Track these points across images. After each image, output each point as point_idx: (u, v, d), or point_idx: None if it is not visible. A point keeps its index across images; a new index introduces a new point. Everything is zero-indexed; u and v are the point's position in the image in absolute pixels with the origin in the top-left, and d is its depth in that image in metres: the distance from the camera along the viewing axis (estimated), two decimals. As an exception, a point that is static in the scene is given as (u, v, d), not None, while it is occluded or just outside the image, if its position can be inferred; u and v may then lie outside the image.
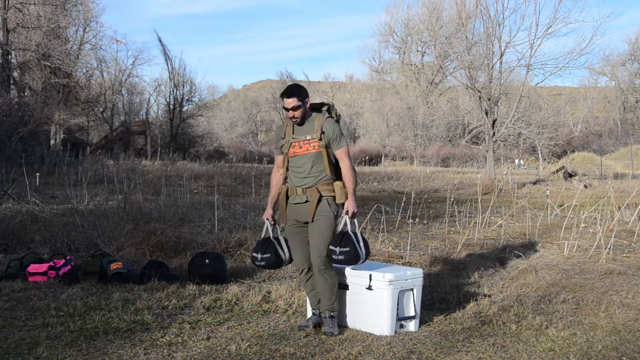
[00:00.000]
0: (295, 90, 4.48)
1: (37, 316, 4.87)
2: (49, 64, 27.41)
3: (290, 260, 4.72)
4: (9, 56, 27.57)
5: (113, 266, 6.00)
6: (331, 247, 4.42)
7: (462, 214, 10.59)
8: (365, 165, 36.62)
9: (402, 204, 9.93)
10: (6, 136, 20.05)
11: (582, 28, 70.43)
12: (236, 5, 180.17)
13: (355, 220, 4.52)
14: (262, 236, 4.71)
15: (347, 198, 4.48)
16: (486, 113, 21.26)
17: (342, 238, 4.41)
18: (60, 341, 4.27)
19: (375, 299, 4.56)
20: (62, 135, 32.62)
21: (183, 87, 47.47)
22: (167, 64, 48.01)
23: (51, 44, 27.20)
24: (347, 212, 4.46)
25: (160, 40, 63.32)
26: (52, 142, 29.21)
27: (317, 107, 4.64)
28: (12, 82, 27.81)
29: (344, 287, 4.75)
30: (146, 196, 12.37)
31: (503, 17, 21.12)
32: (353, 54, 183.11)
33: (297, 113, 4.45)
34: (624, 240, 8.69)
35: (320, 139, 4.46)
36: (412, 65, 55.00)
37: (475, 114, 30.85)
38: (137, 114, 47.52)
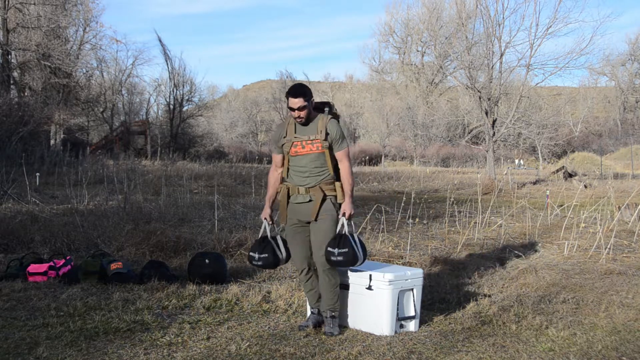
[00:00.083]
0: (302, 90, 4.46)
1: (37, 316, 4.87)
2: (49, 64, 27.41)
3: (287, 260, 4.73)
4: (9, 56, 27.58)
5: (113, 266, 6.00)
6: (329, 248, 4.40)
7: (462, 214, 10.59)
8: (365, 165, 36.63)
9: (402, 204, 9.93)
10: (6, 136, 20.05)
11: (582, 28, 70.56)
12: (236, 5, 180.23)
13: (352, 222, 4.52)
14: (260, 235, 4.71)
15: (344, 199, 4.50)
16: (486, 113, 21.26)
17: (340, 239, 4.40)
18: (60, 341, 4.27)
19: (375, 299, 4.56)
20: (62, 135, 32.63)
21: (183, 87, 47.52)
22: (167, 64, 48.08)
23: (51, 44, 27.20)
24: (343, 214, 4.47)
25: (160, 40, 63.38)
26: (52, 142, 29.21)
27: (318, 107, 4.64)
28: (12, 82, 27.81)
29: (344, 287, 4.75)
30: (146, 196, 12.37)
31: (503, 17, 21.15)
32: (353, 54, 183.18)
33: (303, 113, 4.45)
34: (624, 240, 8.69)
35: (325, 139, 4.46)
36: (412, 65, 55.00)
37: (475, 114, 30.85)
38: (137, 114, 47.53)
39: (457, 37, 24.84)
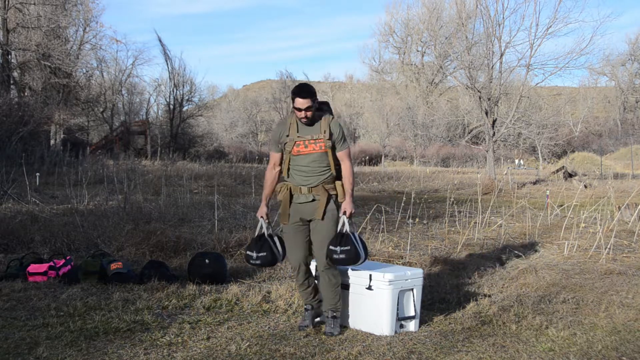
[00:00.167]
0: (309, 90, 4.47)
1: (37, 316, 4.87)
2: (49, 64, 27.41)
3: (284, 258, 4.74)
4: (9, 56, 27.57)
5: (113, 266, 6.00)
6: (331, 247, 4.43)
7: (462, 214, 10.59)
8: (365, 165, 36.63)
9: (402, 204, 9.93)
10: (6, 136, 20.05)
11: (582, 28, 70.50)
12: (236, 5, 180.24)
13: (352, 221, 4.55)
14: (256, 234, 4.67)
15: (345, 198, 4.52)
16: (486, 113, 21.26)
17: (341, 238, 4.43)
18: (60, 341, 4.27)
19: (375, 299, 4.56)
20: (62, 135, 32.63)
21: (183, 87, 47.51)
22: (167, 64, 48.06)
23: (51, 44, 27.20)
24: (344, 213, 4.49)
25: (160, 40, 63.35)
26: (52, 142, 29.21)
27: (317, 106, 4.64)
28: (12, 82, 27.81)
29: (344, 287, 4.75)
30: (146, 196, 12.37)
31: (503, 17, 21.16)
32: (353, 54, 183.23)
33: (309, 113, 4.46)
34: (624, 240, 8.69)
35: (329, 139, 4.49)
36: (412, 65, 55.00)
37: (475, 114, 30.85)
38: (137, 114, 47.52)
39: (457, 37, 24.85)
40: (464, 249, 8.14)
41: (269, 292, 5.63)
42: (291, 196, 4.56)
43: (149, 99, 50.79)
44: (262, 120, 59.29)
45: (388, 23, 56.43)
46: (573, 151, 41.70)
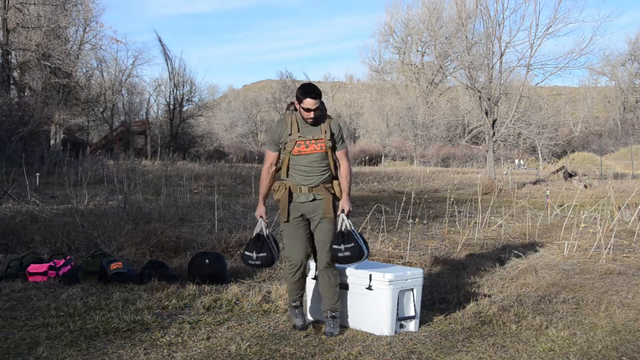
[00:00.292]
0: (319, 91, 4.50)
1: (37, 316, 4.87)
2: (49, 64, 27.42)
3: (278, 258, 4.76)
4: (9, 56, 27.58)
5: (113, 266, 6.00)
6: (334, 246, 4.46)
7: (462, 214, 10.59)
8: (365, 165, 36.63)
9: (402, 204, 9.92)
10: (6, 136, 20.06)
11: (582, 28, 70.30)
12: (236, 5, 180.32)
13: (350, 219, 4.60)
14: (255, 234, 4.65)
15: (341, 197, 4.57)
16: (486, 113, 21.26)
17: (343, 236, 4.47)
18: (60, 341, 4.27)
19: (375, 299, 4.56)
20: (62, 135, 32.64)
21: (183, 87, 47.52)
22: (167, 64, 48.05)
23: (51, 44, 27.20)
24: (342, 211, 4.54)
25: (160, 40, 63.36)
26: (52, 142, 29.22)
27: None
28: (12, 82, 27.81)
29: (344, 287, 4.75)
30: (146, 196, 12.37)
31: (503, 17, 21.15)
32: (353, 54, 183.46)
33: (317, 114, 4.48)
34: (624, 240, 8.69)
35: (330, 139, 4.51)
36: (412, 65, 54.99)
37: (475, 114, 30.87)
38: (137, 114, 47.52)
39: (457, 37, 24.85)
40: (464, 249, 8.14)
41: (269, 292, 5.63)
42: (290, 195, 4.56)
43: (149, 99, 50.86)
44: (262, 120, 59.28)
45: (388, 23, 56.48)
46: (573, 151, 41.69)
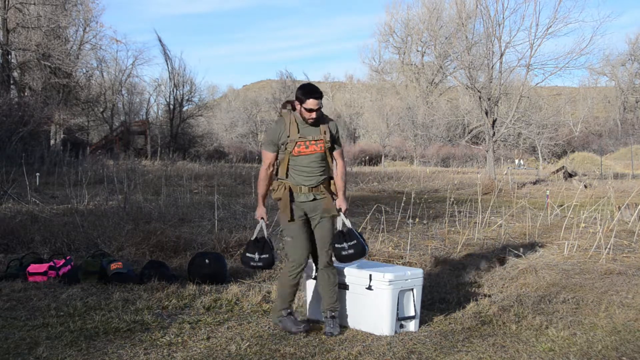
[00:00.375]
0: (320, 92, 4.51)
1: (37, 316, 4.87)
2: (49, 64, 27.42)
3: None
4: (9, 56, 27.58)
5: (113, 266, 6.00)
6: (337, 245, 4.50)
7: (462, 214, 10.59)
8: (365, 165, 36.63)
9: (402, 204, 9.92)
10: (6, 136, 20.07)
11: (582, 28, 70.20)
12: (236, 5, 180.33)
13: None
14: (255, 236, 4.62)
15: (338, 196, 4.62)
16: (486, 113, 21.26)
17: (345, 234, 4.52)
18: (60, 341, 4.27)
19: (375, 299, 4.56)
20: (62, 135, 32.64)
21: (183, 87, 47.52)
22: (167, 64, 48.04)
23: (51, 44, 27.20)
24: (339, 210, 4.57)
25: (160, 40, 63.32)
26: (52, 142, 29.22)
27: None
28: (12, 82, 27.82)
29: (344, 287, 4.75)
30: (146, 196, 12.37)
31: (503, 17, 21.14)
32: (353, 54, 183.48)
33: (318, 114, 4.49)
34: (624, 240, 8.69)
35: (328, 140, 4.53)
36: (412, 65, 54.98)
37: (475, 114, 30.87)
38: (137, 114, 47.53)
39: (457, 37, 24.85)
40: (464, 249, 8.14)
41: (269, 292, 5.63)
42: (290, 194, 4.55)
43: (149, 99, 50.86)
44: (262, 120, 59.21)
45: (388, 23, 56.45)
46: (573, 151, 41.68)
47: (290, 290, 4.59)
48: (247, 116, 59.04)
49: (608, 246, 7.75)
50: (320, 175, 4.54)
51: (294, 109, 4.56)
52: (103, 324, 4.62)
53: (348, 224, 4.56)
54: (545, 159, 36.88)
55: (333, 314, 4.55)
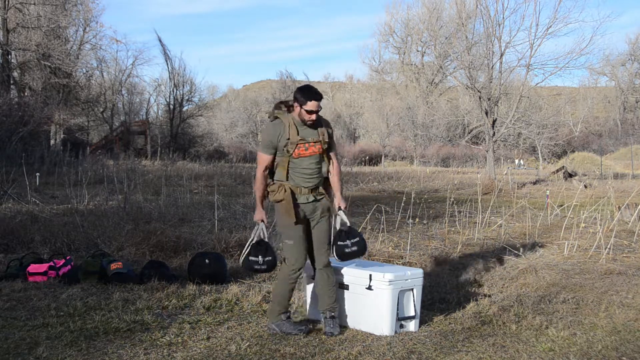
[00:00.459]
0: (320, 93, 4.50)
1: (37, 316, 4.87)
2: (49, 64, 27.42)
3: None
4: (9, 56, 27.59)
5: (113, 266, 6.00)
6: (340, 242, 4.54)
7: (462, 214, 10.58)
8: (365, 165, 36.63)
9: (402, 204, 9.92)
10: (6, 136, 20.07)
11: (582, 28, 70.21)
12: (236, 5, 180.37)
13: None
14: (256, 239, 4.54)
15: (335, 196, 4.66)
16: (486, 113, 21.26)
17: (347, 232, 4.58)
18: (60, 341, 4.27)
19: (375, 299, 4.56)
20: (62, 135, 32.65)
21: (183, 87, 47.54)
22: (167, 64, 48.07)
23: (51, 44, 27.21)
24: (339, 208, 4.62)
25: (160, 40, 63.35)
26: (52, 142, 29.23)
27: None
28: (12, 82, 27.82)
29: (344, 287, 4.75)
30: (146, 196, 12.37)
31: (503, 17, 21.14)
32: (353, 54, 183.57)
33: (318, 116, 4.49)
34: (624, 240, 8.69)
35: (325, 141, 4.54)
36: (412, 65, 54.98)
37: (475, 114, 30.87)
38: (137, 114, 47.54)
39: (457, 37, 24.85)
40: (464, 249, 8.14)
41: (269, 292, 5.63)
42: (293, 196, 4.54)
43: (149, 99, 50.88)
44: (262, 120, 59.16)
45: (388, 23, 56.45)
46: (573, 151, 41.69)
47: (289, 294, 4.59)
48: (247, 116, 59.04)
49: (608, 246, 7.75)
50: (318, 176, 4.56)
51: (288, 110, 4.52)
52: (103, 324, 4.62)
53: (347, 222, 4.60)
54: (545, 159, 36.89)
55: (333, 314, 4.55)
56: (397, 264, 6.83)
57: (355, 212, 11.14)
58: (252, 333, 4.53)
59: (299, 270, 4.54)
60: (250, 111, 59.85)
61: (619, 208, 10.24)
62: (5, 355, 4.00)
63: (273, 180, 4.56)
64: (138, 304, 5.20)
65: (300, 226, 4.53)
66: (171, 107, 46.84)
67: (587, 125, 50.86)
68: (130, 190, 12.66)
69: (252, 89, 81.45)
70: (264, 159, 4.51)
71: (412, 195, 10.14)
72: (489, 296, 5.72)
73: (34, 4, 26.76)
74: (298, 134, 4.46)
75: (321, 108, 4.47)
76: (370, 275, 4.60)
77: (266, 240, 4.58)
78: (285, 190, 4.49)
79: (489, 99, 21.07)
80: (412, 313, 4.65)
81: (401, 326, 4.61)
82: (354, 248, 4.55)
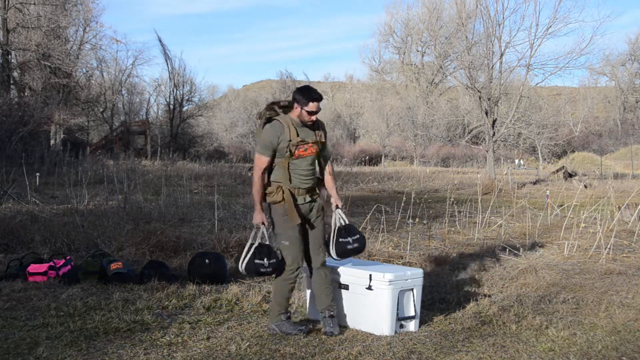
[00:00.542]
0: (320, 94, 4.50)
1: (37, 316, 4.87)
2: (49, 64, 27.42)
3: None
4: (9, 56, 27.59)
5: (113, 266, 6.00)
6: (341, 239, 4.56)
7: (462, 214, 10.59)
8: (365, 165, 36.63)
9: (402, 204, 9.92)
10: (6, 136, 20.08)
11: (582, 28, 70.17)
12: (236, 5, 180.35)
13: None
14: (258, 242, 4.44)
15: (331, 194, 4.70)
16: (486, 113, 21.26)
17: (347, 229, 4.61)
18: (60, 341, 4.27)
19: (375, 299, 4.56)
20: (62, 135, 32.66)
21: (183, 87, 47.53)
22: (167, 64, 48.05)
23: (51, 44, 27.21)
24: (337, 207, 4.66)
25: (160, 40, 63.31)
26: (52, 142, 29.23)
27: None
28: (12, 82, 27.82)
29: (344, 287, 4.75)
30: (146, 196, 12.37)
31: (503, 17, 21.15)
32: (353, 54, 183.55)
33: (317, 117, 4.51)
34: (624, 240, 8.69)
35: (323, 142, 4.57)
36: (412, 65, 54.98)
37: (475, 114, 30.87)
38: (137, 114, 47.54)
39: (457, 37, 24.85)
40: (464, 249, 8.14)
41: (268, 292, 5.63)
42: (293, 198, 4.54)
43: (149, 99, 50.88)
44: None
45: (388, 23, 56.45)
46: (573, 151, 41.69)
47: (287, 295, 4.58)
48: (247, 116, 58.96)
49: (608, 246, 7.76)
50: (314, 177, 4.59)
51: (284, 111, 4.50)
52: (103, 324, 4.62)
53: (345, 219, 4.65)
54: (545, 159, 36.89)
55: (332, 313, 4.55)
56: (397, 264, 6.83)
57: (355, 212, 11.14)
58: (252, 333, 4.53)
59: (297, 270, 4.54)
60: (250, 111, 59.74)
61: (619, 208, 10.25)
62: (5, 355, 4.00)
63: (270, 182, 4.53)
64: (138, 304, 5.20)
65: (297, 227, 4.51)
66: (171, 107, 46.84)
67: (587, 125, 50.85)
68: (130, 190, 12.66)
69: (252, 89, 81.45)
70: (262, 161, 4.45)
71: (412, 195, 10.14)
72: (489, 296, 5.72)
73: (34, 4, 26.76)
74: (298, 135, 4.45)
75: (320, 109, 4.48)
76: (370, 275, 4.60)
77: (267, 242, 4.51)
78: (283, 192, 4.47)
79: (489, 99, 21.07)
80: (412, 313, 4.66)
81: (401, 326, 4.61)
82: (356, 245, 4.59)
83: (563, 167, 25.19)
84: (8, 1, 26.12)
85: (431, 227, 10.07)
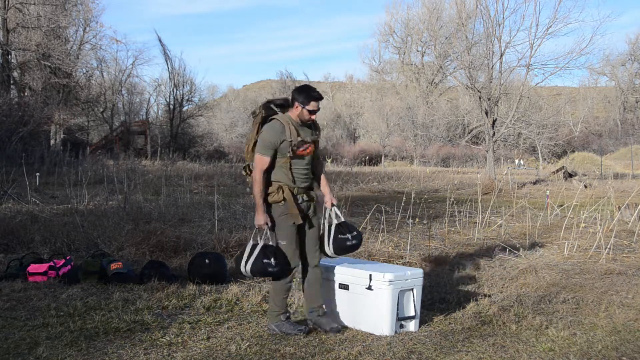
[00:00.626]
0: (321, 94, 4.53)
1: (37, 316, 4.87)
2: (49, 64, 27.43)
3: None
4: (9, 56, 27.59)
5: (113, 266, 6.00)
6: (340, 236, 4.61)
7: (462, 214, 10.59)
8: (365, 165, 36.63)
9: (402, 204, 9.92)
10: (6, 136, 20.08)
11: (582, 28, 70.18)
12: (236, 5, 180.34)
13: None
14: (262, 244, 4.39)
15: (325, 192, 4.76)
16: (486, 113, 21.26)
17: (344, 226, 4.66)
18: (60, 341, 4.27)
19: (375, 299, 4.56)
20: (62, 135, 32.66)
21: (183, 87, 47.53)
22: (167, 64, 48.07)
23: (51, 44, 27.21)
24: (332, 204, 4.69)
25: (160, 40, 63.33)
26: (52, 142, 29.23)
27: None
28: (12, 82, 27.82)
29: (343, 287, 4.75)
30: (146, 196, 12.37)
31: (503, 17, 21.15)
32: (353, 54, 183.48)
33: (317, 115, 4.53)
34: (624, 240, 8.69)
35: (318, 141, 4.61)
36: (412, 65, 54.97)
37: (475, 114, 30.87)
38: (137, 114, 47.55)
39: (457, 37, 24.85)
40: (464, 249, 8.14)
41: (268, 292, 5.62)
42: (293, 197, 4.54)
43: (149, 99, 50.88)
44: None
45: (388, 23, 56.44)
46: (573, 151, 41.69)
47: (285, 295, 4.58)
48: (247, 116, 58.90)
49: (608, 246, 7.76)
50: (311, 176, 4.62)
51: (282, 110, 4.52)
52: (103, 324, 4.62)
53: (341, 217, 4.70)
54: (545, 159, 36.89)
55: (325, 310, 4.63)
56: (397, 264, 6.83)
57: (355, 212, 11.14)
58: (252, 333, 4.53)
59: (295, 269, 4.56)
60: (250, 111, 59.82)
61: (619, 208, 10.25)
62: (5, 355, 4.00)
63: (270, 182, 4.50)
64: (138, 304, 5.20)
65: (295, 226, 4.51)
66: (171, 107, 46.85)
67: (587, 125, 50.84)
68: (130, 190, 12.67)
69: (252, 89, 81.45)
70: (264, 161, 4.41)
71: (412, 195, 10.14)
72: (489, 296, 5.72)
73: (34, 4, 26.76)
74: (298, 135, 4.46)
75: (320, 108, 4.49)
76: (370, 275, 4.60)
77: (271, 243, 4.46)
78: (284, 191, 4.45)
79: (489, 99, 21.07)
80: (412, 313, 4.66)
81: (401, 326, 4.62)
82: (354, 241, 4.64)
83: (563, 167, 25.19)
84: (8, 1, 26.12)
85: (431, 227, 10.07)
